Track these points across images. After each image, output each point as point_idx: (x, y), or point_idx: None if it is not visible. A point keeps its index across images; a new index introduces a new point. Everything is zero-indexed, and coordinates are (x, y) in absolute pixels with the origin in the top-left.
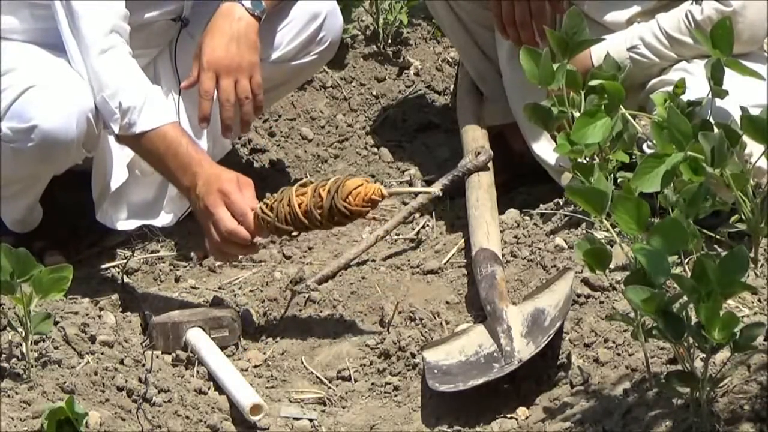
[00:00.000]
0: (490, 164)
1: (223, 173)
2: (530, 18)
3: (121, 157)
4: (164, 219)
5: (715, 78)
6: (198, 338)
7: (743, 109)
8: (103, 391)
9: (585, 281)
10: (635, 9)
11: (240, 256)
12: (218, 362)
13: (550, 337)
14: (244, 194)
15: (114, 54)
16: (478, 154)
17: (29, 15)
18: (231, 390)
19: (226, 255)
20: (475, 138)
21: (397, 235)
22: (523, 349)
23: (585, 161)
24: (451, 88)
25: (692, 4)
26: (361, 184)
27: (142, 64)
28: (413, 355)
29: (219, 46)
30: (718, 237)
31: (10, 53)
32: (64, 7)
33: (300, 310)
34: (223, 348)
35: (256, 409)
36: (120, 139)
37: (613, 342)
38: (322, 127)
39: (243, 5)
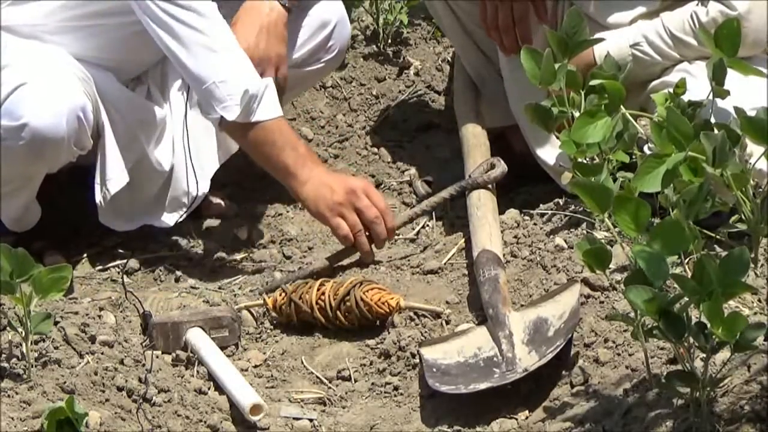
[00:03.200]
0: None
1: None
2: (513, 23)
3: (122, 160)
4: (166, 220)
5: (717, 78)
6: (198, 338)
7: (740, 109)
8: (103, 391)
9: (585, 281)
10: (639, 10)
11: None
12: (218, 362)
13: (558, 348)
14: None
15: (224, 43)
16: (492, 166)
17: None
18: (231, 390)
19: (372, 237)
20: (475, 134)
21: (397, 235)
22: (525, 357)
23: (586, 161)
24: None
25: (698, 4)
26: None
27: (151, 63)
28: (413, 355)
29: (249, 36)
30: (718, 237)
31: (4, 48)
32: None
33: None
34: (223, 348)
35: (256, 409)
36: (226, 127)
37: (613, 342)
38: (322, 127)
39: None
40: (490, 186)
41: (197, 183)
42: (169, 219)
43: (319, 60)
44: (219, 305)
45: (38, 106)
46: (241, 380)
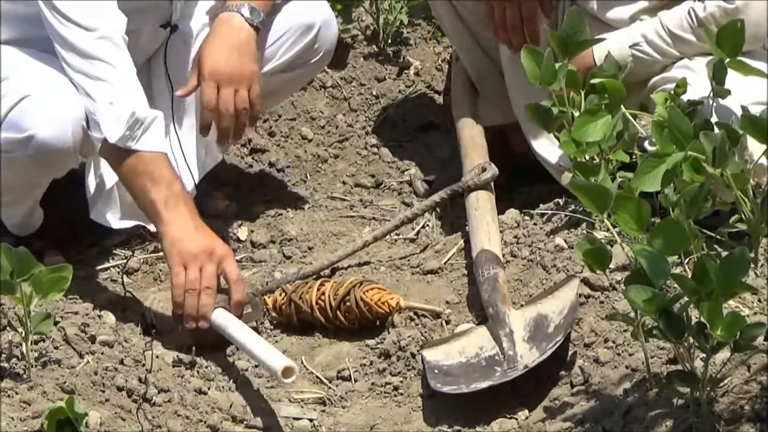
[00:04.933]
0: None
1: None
2: (521, 22)
3: None
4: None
5: (717, 78)
6: (224, 318)
7: (744, 108)
8: (103, 391)
9: (585, 281)
10: (639, 5)
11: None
12: (246, 336)
13: (558, 344)
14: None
15: (123, 63)
16: (484, 170)
17: (14, 19)
18: (260, 356)
19: (195, 303)
20: (472, 136)
21: (397, 235)
22: (526, 354)
23: (586, 160)
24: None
25: (695, 1)
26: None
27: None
28: (413, 355)
29: (220, 56)
30: (718, 237)
31: (3, 60)
32: (50, 9)
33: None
34: (248, 323)
35: (288, 371)
36: (105, 149)
37: (613, 342)
38: (322, 127)
39: (242, 15)
40: (489, 186)
41: (194, 184)
42: None
43: (304, 63)
44: None
45: (44, 118)
46: (271, 348)
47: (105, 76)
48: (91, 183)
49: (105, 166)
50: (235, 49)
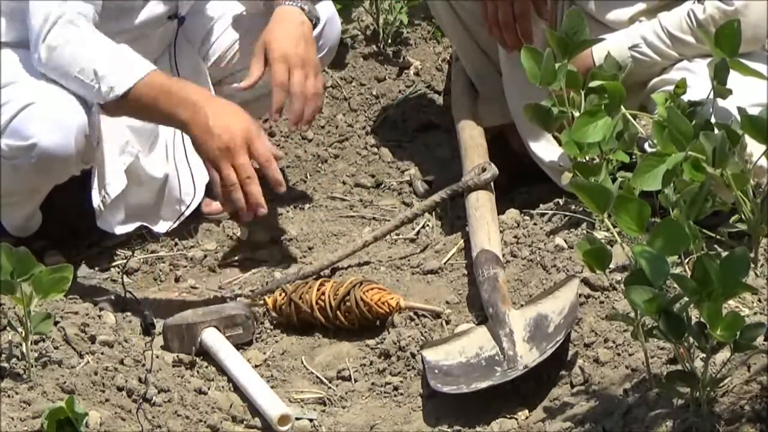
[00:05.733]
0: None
1: (233, 108)
2: (513, 20)
3: (118, 164)
4: (163, 225)
5: (719, 78)
6: (214, 339)
7: (742, 109)
8: (103, 391)
9: (585, 281)
10: (638, 7)
11: (257, 205)
12: (240, 369)
13: (558, 344)
14: (263, 138)
15: (69, 35)
16: (484, 170)
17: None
18: (256, 399)
19: (245, 198)
20: (472, 136)
21: (397, 235)
22: (526, 354)
23: (585, 160)
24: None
25: (694, 2)
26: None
27: None
28: (413, 355)
29: (289, 42)
30: (718, 237)
31: (7, 64)
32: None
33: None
34: (237, 346)
35: (284, 419)
36: (106, 109)
37: (613, 342)
38: (322, 127)
39: (302, 9)
40: (489, 186)
41: (195, 190)
42: (167, 225)
43: None
44: (233, 299)
45: (47, 126)
46: (267, 389)
47: (62, 57)
48: (97, 191)
49: (110, 174)
50: (302, 38)
